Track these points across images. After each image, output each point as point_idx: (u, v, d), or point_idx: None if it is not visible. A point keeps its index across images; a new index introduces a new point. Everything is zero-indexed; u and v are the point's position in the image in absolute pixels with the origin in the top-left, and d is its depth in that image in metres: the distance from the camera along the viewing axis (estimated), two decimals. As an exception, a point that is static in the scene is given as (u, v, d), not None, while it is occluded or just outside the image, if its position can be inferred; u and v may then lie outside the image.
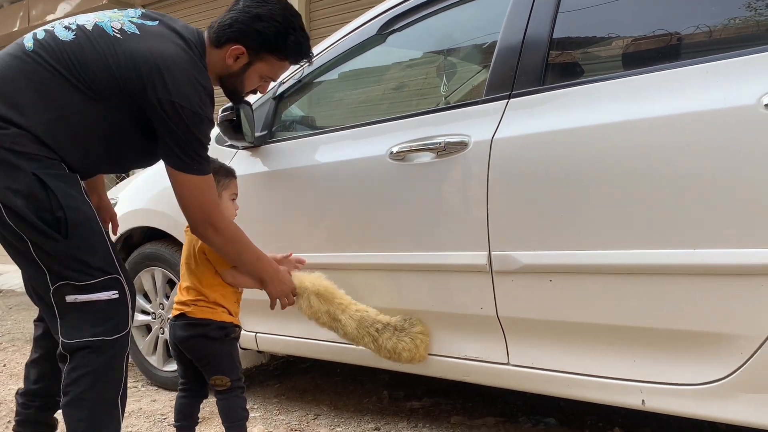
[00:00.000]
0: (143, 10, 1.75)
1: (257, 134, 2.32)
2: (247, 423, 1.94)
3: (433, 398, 2.53)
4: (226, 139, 2.36)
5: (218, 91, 1.80)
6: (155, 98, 1.57)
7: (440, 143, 1.88)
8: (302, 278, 1.94)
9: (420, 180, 1.94)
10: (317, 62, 2.31)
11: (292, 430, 2.32)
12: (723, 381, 1.52)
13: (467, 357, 1.93)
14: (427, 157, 1.91)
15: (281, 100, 2.41)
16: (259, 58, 1.76)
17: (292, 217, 2.28)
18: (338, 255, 2.14)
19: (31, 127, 1.53)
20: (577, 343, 1.73)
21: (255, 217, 2.28)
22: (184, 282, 1.96)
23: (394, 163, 1.98)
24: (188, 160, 1.64)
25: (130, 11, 1.73)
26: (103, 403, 1.60)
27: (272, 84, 2.41)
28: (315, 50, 2.35)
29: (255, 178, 2.33)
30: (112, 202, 2.86)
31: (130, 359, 1.70)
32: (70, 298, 1.56)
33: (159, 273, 2.72)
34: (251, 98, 2.36)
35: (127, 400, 1.68)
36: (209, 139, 1.70)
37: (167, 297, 2.71)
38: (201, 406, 2.07)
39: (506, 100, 1.81)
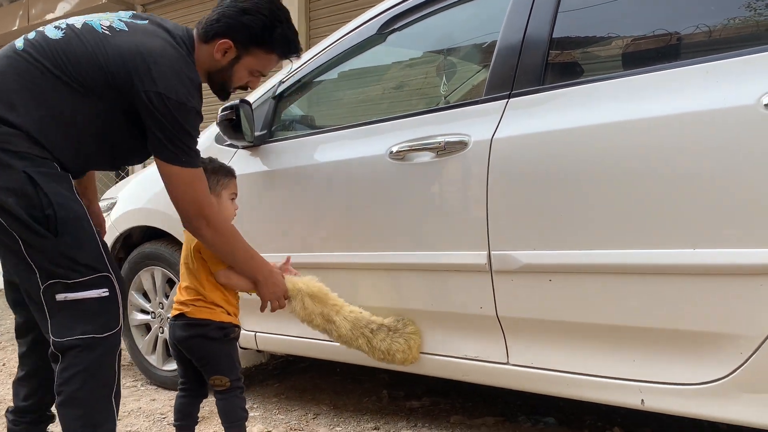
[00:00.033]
0: (134, 12, 1.78)
1: (257, 133, 2.32)
2: (246, 422, 1.94)
3: (433, 398, 2.53)
4: (225, 138, 2.36)
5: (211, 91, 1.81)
6: (143, 91, 1.58)
7: (440, 143, 1.88)
8: (295, 280, 1.93)
9: (420, 179, 1.94)
10: (317, 62, 2.31)
11: (291, 429, 2.32)
12: (723, 381, 1.52)
13: (467, 356, 1.93)
14: (426, 157, 1.91)
15: (281, 99, 2.41)
16: (247, 52, 1.77)
17: (292, 217, 2.27)
18: (338, 254, 2.14)
19: (23, 125, 1.54)
20: (577, 342, 1.73)
21: (255, 217, 2.29)
22: (183, 282, 1.95)
23: (393, 163, 1.98)
24: (177, 152, 1.64)
25: (122, 13, 1.76)
26: (96, 400, 1.60)
27: (272, 83, 2.41)
28: (314, 49, 2.36)
29: (255, 178, 2.33)
30: (111, 201, 2.88)
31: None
32: (60, 297, 1.56)
33: (158, 272, 2.72)
34: (251, 98, 2.37)
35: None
36: (198, 132, 1.70)
37: (167, 296, 2.71)
38: (201, 406, 2.07)
39: (506, 100, 1.81)
